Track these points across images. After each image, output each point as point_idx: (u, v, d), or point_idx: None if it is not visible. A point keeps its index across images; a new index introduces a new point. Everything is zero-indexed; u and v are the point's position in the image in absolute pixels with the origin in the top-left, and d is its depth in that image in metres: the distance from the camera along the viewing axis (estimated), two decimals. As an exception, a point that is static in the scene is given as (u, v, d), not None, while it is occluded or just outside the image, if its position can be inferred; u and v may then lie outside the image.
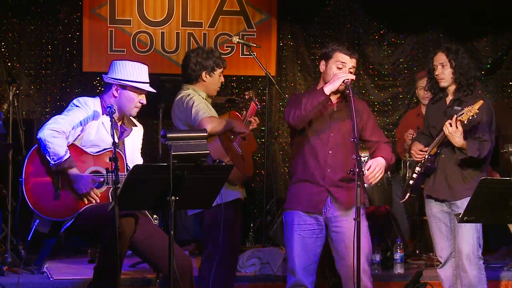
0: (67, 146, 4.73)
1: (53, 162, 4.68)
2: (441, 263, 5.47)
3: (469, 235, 5.24)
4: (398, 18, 8.18)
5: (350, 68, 4.88)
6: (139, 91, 4.88)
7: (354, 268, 4.55)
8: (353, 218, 4.55)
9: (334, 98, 4.93)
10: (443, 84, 5.36)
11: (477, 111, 5.02)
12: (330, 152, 4.85)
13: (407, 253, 6.94)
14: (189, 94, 5.37)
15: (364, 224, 4.83)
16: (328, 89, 4.74)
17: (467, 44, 7.91)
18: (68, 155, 4.70)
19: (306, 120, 4.84)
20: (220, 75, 5.51)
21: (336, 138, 4.87)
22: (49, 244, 4.94)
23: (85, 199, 4.74)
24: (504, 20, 8.15)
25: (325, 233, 4.92)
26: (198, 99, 5.33)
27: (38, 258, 6.04)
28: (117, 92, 4.89)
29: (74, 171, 4.72)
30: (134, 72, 4.88)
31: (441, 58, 5.36)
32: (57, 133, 4.71)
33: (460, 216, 4.39)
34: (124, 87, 4.88)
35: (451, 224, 5.36)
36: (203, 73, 5.44)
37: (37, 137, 4.75)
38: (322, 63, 4.97)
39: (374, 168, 4.76)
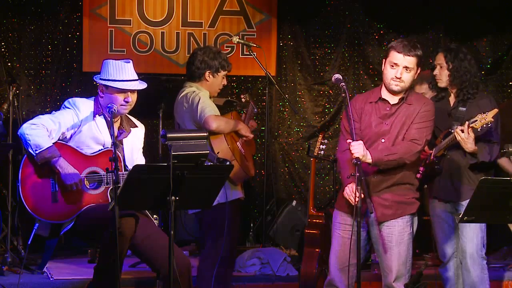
0: (54, 143, 4.71)
1: (35, 153, 4.65)
2: (443, 262, 5.47)
3: (474, 235, 5.25)
4: (398, 18, 8.16)
5: (405, 67, 4.70)
6: (121, 90, 4.84)
7: (350, 266, 4.59)
8: (355, 219, 4.55)
9: (392, 100, 4.80)
10: (440, 84, 5.40)
11: (492, 120, 5.01)
12: None
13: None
14: (194, 91, 5.38)
15: (406, 231, 4.80)
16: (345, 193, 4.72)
17: (467, 44, 7.90)
18: (50, 144, 4.68)
19: None
20: (223, 77, 5.52)
21: (385, 145, 4.75)
22: (50, 246, 4.94)
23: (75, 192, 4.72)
24: (504, 20, 8.14)
25: (367, 236, 4.86)
26: (204, 96, 5.33)
27: (41, 262, 6.03)
28: (102, 92, 4.88)
29: (60, 161, 4.70)
30: (114, 71, 4.83)
31: (439, 59, 5.40)
32: (36, 126, 4.71)
33: (460, 216, 4.39)
34: (106, 86, 4.85)
35: (454, 225, 5.36)
36: (207, 72, 5.45)
37: (18, 133, 4.75)
38: (383, 62, 4.81)
39: (354, 145, 4.56)
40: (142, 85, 4.91)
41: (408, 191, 4.83)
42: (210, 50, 5.51)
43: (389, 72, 4.75)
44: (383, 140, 4.76)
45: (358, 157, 4.51)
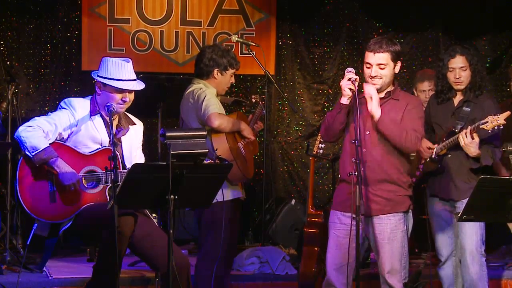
0: (50, 143, 4.71)
1: (32, 155, 4.64)
2: (441, 261, 5.47)
3: (473, 232, 5.24)
4: (397, 17, 8.17)
5: (378, 65, 4.71)
6: (119, 89, 4.81)
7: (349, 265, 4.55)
8: (352, 217, 4.55)
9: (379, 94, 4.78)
10: (460, 87, 5.33)
11: (504, 123, 4.98)
12: (365, 150, 4.72)
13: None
14: (201, 88, 5.38)
15: (399, 228, 4.77)
16: (342, 100, 4.69)
17: (466, 43, 7.90)
18: (46, 145, 4.67)
19: (333, 133, 4.82)
20: (231, 76, 5.53)
21: (372, 136, 4.75)
22: (50, 246, 4.94)
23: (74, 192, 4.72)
24: (503, 20, 8.14)
25: (364, 234, 4.83)
26: (210, 94, 5.34)
27: (41, 262, 6.02)
28: (100, 90, 4.87)
29: (57, 161, 4.69)
30: (113, 70, 4.80)
31: (461, 62, 5.30)
32: (32, 128, 4.70)
33: (459, 215, 4.39)
34: (104, 84, 4.84)
35: (453, 223, 5.36)
36: (215, 70, 5.45)
37: (14, 136, 4.75)
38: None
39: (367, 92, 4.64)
40: (140, 86, 4.89)
41: (398, 188, 4.80)
42: (219, 48, 5.52)
43: (365, 72, 4.78)
44: (367, 132, 4.75)
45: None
